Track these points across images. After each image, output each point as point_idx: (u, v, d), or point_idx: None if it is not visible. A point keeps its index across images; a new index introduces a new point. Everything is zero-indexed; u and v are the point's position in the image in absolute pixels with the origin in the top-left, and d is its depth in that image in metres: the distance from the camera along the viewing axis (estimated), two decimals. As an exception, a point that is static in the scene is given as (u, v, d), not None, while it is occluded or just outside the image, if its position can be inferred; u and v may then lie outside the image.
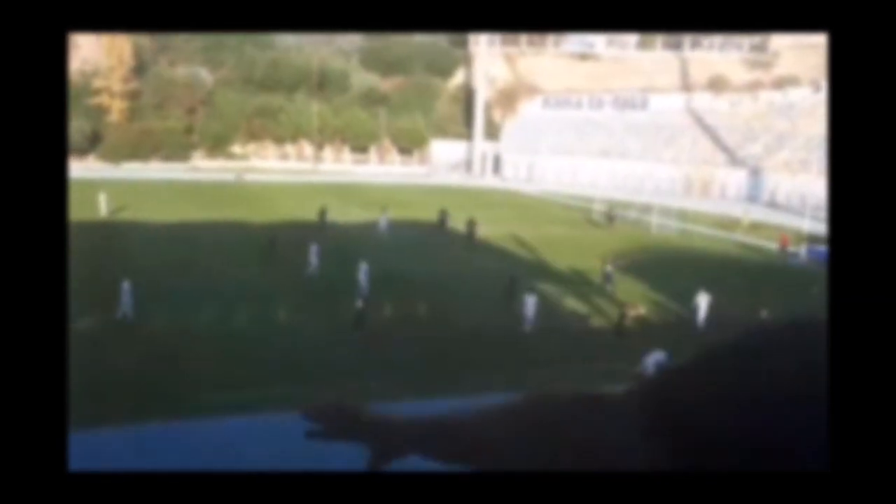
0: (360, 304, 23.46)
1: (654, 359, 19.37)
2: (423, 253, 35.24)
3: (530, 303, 22.62)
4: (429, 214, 44.90)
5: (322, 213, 42.81)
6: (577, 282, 29.81)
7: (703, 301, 22.64)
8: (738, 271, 33.43)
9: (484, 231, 40.12)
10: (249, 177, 72.10)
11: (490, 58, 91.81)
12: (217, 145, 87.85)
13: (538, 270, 31.06)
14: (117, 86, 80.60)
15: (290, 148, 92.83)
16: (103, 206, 43.28)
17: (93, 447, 4.53)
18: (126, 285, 23.16)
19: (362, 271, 27.16)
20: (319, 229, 39.36)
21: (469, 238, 38.46)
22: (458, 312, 24.53)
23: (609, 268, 29.19)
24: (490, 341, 21.48)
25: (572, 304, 26.46)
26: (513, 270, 29.66)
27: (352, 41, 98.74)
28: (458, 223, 41.86)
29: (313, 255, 29.53)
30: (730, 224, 48.77)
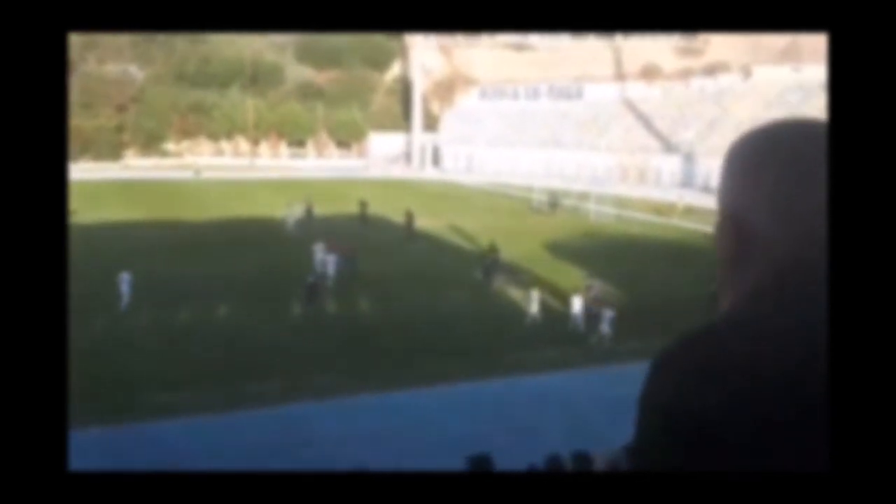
0: (310, 279, 24.55)
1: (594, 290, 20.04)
2: (371, 247, 35.15)
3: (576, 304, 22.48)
4: (383, 209, 44.65)
5: (308, 208, 42.92)
6: (518, 270, 30.05)
7: (577, 303, 23.02)
8: (674, 255, 34.17)
9: (425, 223, 40.13)
10: (208, 174, 71.67)
11: (426, 49, 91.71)
12: (149, 143, 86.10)
13: (479, 260, 31.20)
14: (44, 84, 78.29)
15: (225, 144, 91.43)
16: None
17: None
18: (125, 276, 23.23)
19: (318, 250, 28.45)
20: (305, 225, 40.00)
21: (408, 230, 38.46)
22: (402, 304, 24.57)
23: (490, 259, 29.62)
24: (435, 331, 21.57)
25: (515, 292, 26.71)
26: (480, 257, 30.60)
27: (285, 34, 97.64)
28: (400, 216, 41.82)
29: (320, 253, 29.19)
30: (665, 209, 49.74)
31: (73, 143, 77.48)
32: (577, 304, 22.55)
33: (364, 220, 42.35)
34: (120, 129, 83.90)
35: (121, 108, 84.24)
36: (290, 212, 40.61)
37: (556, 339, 21.35)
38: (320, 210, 43.89)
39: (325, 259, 28.05)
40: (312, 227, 38.90)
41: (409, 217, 38.90)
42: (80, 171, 71.57)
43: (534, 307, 22.75)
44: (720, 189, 1.12)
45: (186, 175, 71.82)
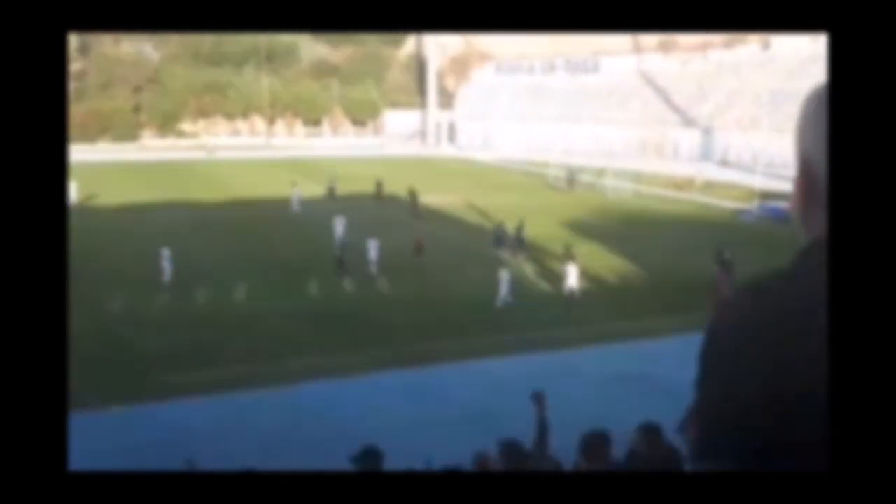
0: (337, 251, 26.57)
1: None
2: (383, 224, 35.19)
3: (504, 278, 22.54)
4: (399, 187, 44.60)
5: (331, 188, 44.11)
6: (534, 247, 30.01)
7: (572, 271, 22.71)
8: (692, 230, 33.96)
9: (441, 200, 40.08)
10: (222, 153, 71.83)
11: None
12: (166, 123, 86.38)
13: (492, 238, 31.17)
14: (61, 66, 78.67)
15: (241, 123, 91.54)
16: (74, 194, 41.02)
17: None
18: (166, 252, 23.88)
19: (339, 224, 29.42)
20: (331, 200, 41.99)
21: (412, 207, 38.55)
22: (418, 281, 24.63)
23: (502, 229, 30.18)
24: (450, 307, 21.62)
25: (529, 269, 26.69)
26: (492, 229, 31.20)
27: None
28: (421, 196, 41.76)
29: (340, 227, 29.48)
30: (683, 184, 49.35)
31: (92, 125, 77.84)
32: (572, 274, 22.31)
33: (379, 199, 42.53)
34: (137, 109, 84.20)
35: (137, 89, 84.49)
36: (294, 191, 40.54)
37: (571, 315, 21.34)
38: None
39: (354, 240, 28.03)
40: (324, 205, 39.01)
41: (413, 195, 39.23)
42: (99, 152, 72.05)
43: (503, 287, 22.62)
44: (795, 131, 1.14)
45: (201, 155, 72.02)
